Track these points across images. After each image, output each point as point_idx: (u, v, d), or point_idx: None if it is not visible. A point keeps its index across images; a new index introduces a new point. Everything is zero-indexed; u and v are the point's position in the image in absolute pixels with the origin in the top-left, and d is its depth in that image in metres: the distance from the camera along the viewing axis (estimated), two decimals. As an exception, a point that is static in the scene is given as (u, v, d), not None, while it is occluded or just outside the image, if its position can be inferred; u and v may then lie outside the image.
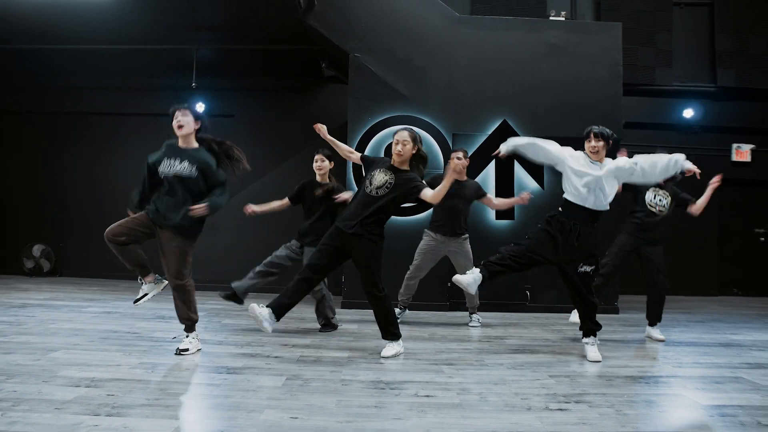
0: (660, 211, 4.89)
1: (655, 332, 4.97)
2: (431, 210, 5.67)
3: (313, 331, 4.92)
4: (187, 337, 3.92)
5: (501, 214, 6.59)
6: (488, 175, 6.65)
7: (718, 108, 9.28)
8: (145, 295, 3.96)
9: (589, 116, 6.67)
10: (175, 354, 3.78)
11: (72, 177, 9.47)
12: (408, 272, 5.60)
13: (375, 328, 5.17)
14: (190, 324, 3.92)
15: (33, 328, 4.64)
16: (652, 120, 9.24)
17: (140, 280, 3.97)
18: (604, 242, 5.51)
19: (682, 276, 9.14)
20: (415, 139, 3.98)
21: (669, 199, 4.93)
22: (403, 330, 5.18)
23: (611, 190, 3.99)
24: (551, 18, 7.53)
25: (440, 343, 4.56)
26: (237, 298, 4.96)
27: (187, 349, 3.83)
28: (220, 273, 8.02)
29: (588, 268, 3.97)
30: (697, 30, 9.32)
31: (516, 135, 6.64)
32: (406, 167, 4.00)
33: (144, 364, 3.51)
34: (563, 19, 7.42)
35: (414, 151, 3.98)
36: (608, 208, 4.01)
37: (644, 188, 4.88)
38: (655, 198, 4.90)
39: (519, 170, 6.65)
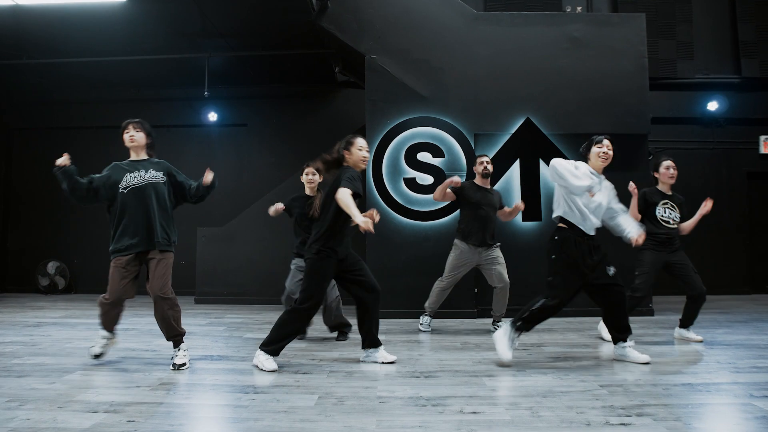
0: (674, 222, 4.79)
1: (690, 333, 4.80)
2: (458, 218, 5.40)
3: (339, 344, 4.69)
4: (180, 350, 3.77)
5: (527, 215, 6.34)
6: (513, 175, 6.41)
7: (744, 99, 8.99)
8: (103, 354, 3.90)
9: (615, 111, 6.47)
10: (173, 370, 3.66)
11: (85, 192, 9.34)
12: (441, 283, 5.33)
13: (403, 338, 5.00)
14: (179, 339, 3.79)
15: (48, 348, 4.46)
16: (675, 114, 8.97)
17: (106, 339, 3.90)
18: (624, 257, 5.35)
19: (713, 274, 8.79)
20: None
21: (677, 209, 4.84)
22: (434, 339, 4.97)
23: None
24: (567, 11, 7.31)
25: (475, 353, 4.30)
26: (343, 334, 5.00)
27: (184, 364, 3.71)
28: (238, 286, 7.87)
29: (613, 269, 3.88)
30: (719, 20, 9.06)
31: (540, 133, 6.42)
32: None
33: (165, 385, 3.30)
34: (579, 12, 7.20)
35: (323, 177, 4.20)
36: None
37: (653, 204, 4.80)
38: (665, 213, 4.79)
39: (544, 168, 6.39)
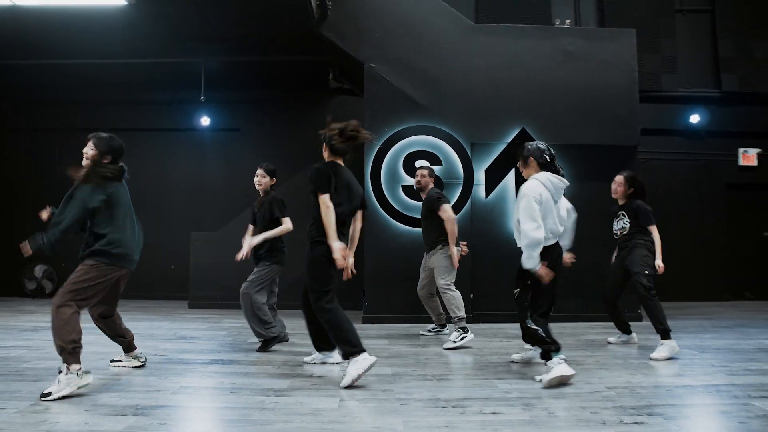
0: (622, 233, 4.94)
1: (655, 351, 4.38)
2: None
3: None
4: (62, 374, 3.14)
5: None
6: (508, 184, 6.57)
7: (724, 113, 9.31)
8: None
9: (606, 123, 6.68)
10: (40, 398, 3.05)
11: (74, 195, 9.22)
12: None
13: (405, 342, 5.10)
14: (64, 356, 3.22)
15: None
16: (659, 126, 9.22)
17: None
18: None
19: (695, 281, 9.12)
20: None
21: (627, 218, 4.92)
22: (435, 344, 5.07)
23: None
24: (556, 25, 7.54)
25: (479, 357, 4.43)
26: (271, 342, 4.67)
27: (49, 393, 3.05)
28: (232, 290, 7.84)
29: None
30: (700, 36, 9.38)
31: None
32: None
33: (185, 389, 3.34)
34: (567, 26, 7.42)
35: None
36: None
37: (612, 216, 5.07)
38: (616, 225, 5.00)
39: (538, 178, 6.57)
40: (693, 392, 3.32)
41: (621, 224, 4.95)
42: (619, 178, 4.99)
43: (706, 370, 3.94)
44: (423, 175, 5.39)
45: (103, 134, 3.66)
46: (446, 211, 5.05)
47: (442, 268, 5.15)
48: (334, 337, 3.57)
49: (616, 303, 4.98)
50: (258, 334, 4.61)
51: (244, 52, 7.87)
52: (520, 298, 3.68)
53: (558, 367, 3.41)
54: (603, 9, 9.20)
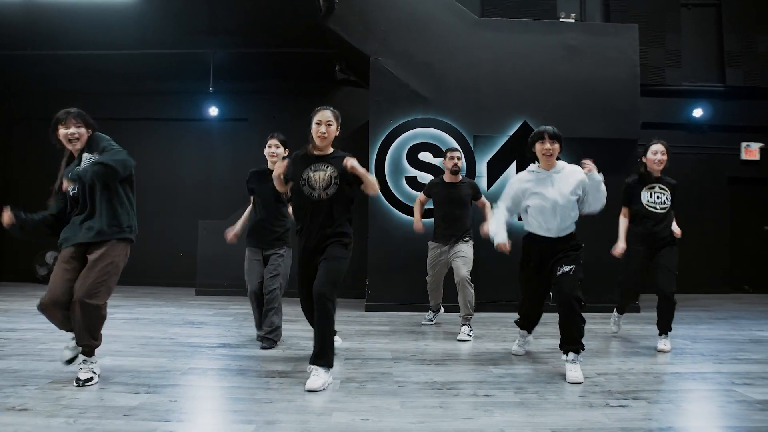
0: (662, 209, 4.46)
1: (661, 342, 4.36)
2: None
3: (345, 334, 4.90)
4: (87, 363, 3.16)
5: (523, 214, 6.63)
6: (510, 176, 6.64)
7: (727, 107, 9.37)
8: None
9: (608, 116, 6.77)
10: (76, 386, 3.04)
11: (84, 183, 9.42)
12: (428, 286, 5.49)
13: (407, 329, 5.25)
14: (90, 349, 3.18)
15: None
16: (663, 120, 9.28)
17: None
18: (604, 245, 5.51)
19: (695, 274, 9.21)
20: (338, 118, 3.48)
21: (668, 193, 4.50)
22: (435, 331, 5.23)
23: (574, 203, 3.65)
24: (561, 20, 7.60)
25: (477, 344, 4.59)
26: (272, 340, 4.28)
27: (90, 378, 3.10)
28: (238, 278, 8.03)
29: (567, 268, 3.53)
30: (705, 30, 9.42)
31: (536, 136, 6.70)
32: (331, 149, 3.51)
33: (194, 370, 3.51)
34: (573, 20, 7.49)
35: (337, 133, 3.48)
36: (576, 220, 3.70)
37: (636, 194, 4.54)
38: (651, 197, 4.48)
39: (540, 171, 6.69)
40: (680, 379, 3.46)
41: (663, 198, 4.46)
42: (662, 147, 4.45)
43: (696, 359, 4.08)
44: (459, 158, 5.24)
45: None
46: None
47: (469, 258, 5.11)
48: (328, 334, 3.21)
49: (639, 292, 4.81)
50: (277, 332, 4.26)
51: (252, 44, 7.98)
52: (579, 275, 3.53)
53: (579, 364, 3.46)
54: (608, 2, 9.24)
